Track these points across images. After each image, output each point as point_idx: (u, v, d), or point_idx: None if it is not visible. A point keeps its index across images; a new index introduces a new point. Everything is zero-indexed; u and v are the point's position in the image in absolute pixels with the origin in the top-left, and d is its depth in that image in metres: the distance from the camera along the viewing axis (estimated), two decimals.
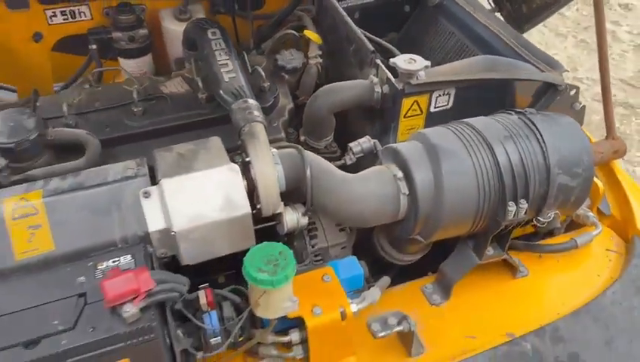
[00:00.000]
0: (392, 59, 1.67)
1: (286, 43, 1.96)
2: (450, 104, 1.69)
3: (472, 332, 1.57)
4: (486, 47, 2.04)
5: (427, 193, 1.44)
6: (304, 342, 1.43)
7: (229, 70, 1.64)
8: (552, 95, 1.78)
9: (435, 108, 1.68)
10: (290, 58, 1.81)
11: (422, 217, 1.46)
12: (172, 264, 1.43)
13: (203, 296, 1.32)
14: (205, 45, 1.72)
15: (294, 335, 1.42)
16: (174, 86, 1.78)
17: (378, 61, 1.70)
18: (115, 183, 1.38)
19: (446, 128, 1.54)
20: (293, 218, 1.54)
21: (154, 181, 1.39)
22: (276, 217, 1.51)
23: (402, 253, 1.71)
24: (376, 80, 1.67)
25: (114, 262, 1.30)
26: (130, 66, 2.13)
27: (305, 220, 1.56)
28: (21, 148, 1.42)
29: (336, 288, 1.45)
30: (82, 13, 2.09)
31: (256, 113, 1.54)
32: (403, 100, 1.61)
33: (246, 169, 1.43)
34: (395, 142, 1.69)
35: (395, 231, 1.59)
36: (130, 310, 1.14)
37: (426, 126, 1.71)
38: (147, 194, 1.37)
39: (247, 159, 1.44)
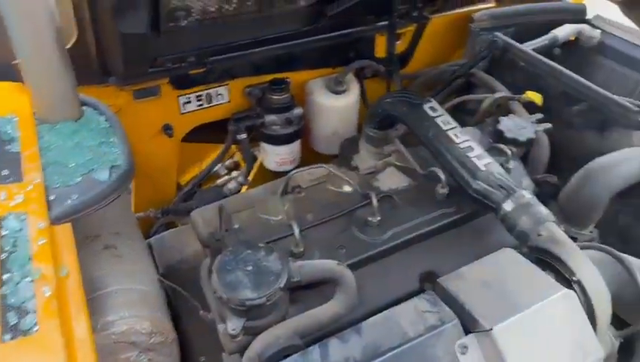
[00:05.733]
0: None
1: (499, 108, 1.61)
2: None
3: None
4: None
5: None
6: None
7: (478, 155, 1.28)
8: None
9: None
10: (520, 128, 1.45)
11: None
12: None
13: None
14: (428, 125, 1.35)
15: None
16: (389, 179, 1.39)
17: None
18: (418, 339, 0.98)
19: None
20: (608, 344, 1.17)
21: None
22: None
23: None
24: None
25: None
26: (280, 154, 1.75)
27: (617, 343, 1.19)
28: (272, 302, 1.01)
29: None
30: (220, 96, 1.70)
31: (543, 210, 1.17)
32: None
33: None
34: None
35: None
36: None
37: None
38: (465, 349, 0.98)
39: (575, 278, 1.06)
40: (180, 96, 1.65)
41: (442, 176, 1.31)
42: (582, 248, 1.17)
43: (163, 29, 1.35)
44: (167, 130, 1.66)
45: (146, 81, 1.55)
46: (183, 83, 1.62)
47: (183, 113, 1.68)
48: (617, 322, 1.20)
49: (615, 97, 1.46)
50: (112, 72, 1.48)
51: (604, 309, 1.06)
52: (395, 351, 0.96)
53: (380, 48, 1.88)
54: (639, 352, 1.33)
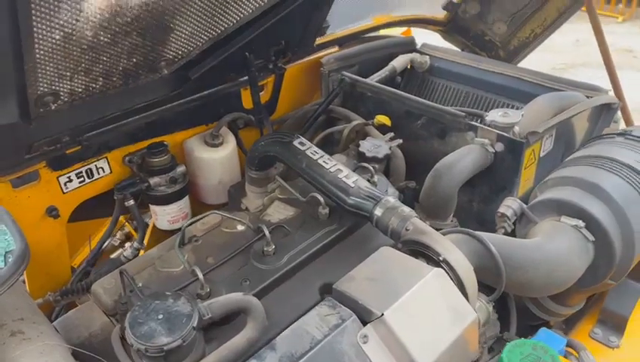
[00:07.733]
0: (488, 117, 1.64)
1: (358, 133, 1.84)
2: (551, 145, 1.70)
3: None
4: (504, 90, 2.13)
5: (616, 232, 1.39)
6: None
7: (346, 175, 1.47)
8: (608, 114, 1.89)
9: (543, 152, 1.67)
10: (377, 147, 1.68)
11: (617, 258, 1.40)
12: None
13: None
14: (300, 158, 1.53)
15: None
16: (277, 212, 1.53)
17: (476, 123, 1.66)
18: (325, 339, 1.11)
19: (585, 165, 1.54)
20: (483, 309, 1.39)
21: None
22: None
23: (564, 305, 1.63)
24: (485, 141, 1.61)
25: None
26: (171, 213, 1.82)
27: (491, 306, 1.42)
28: (187, 343, 1.08)
29: None
30: (100, 169, 1.75)
31: (406, 209, 1.38)
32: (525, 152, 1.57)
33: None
34: (517, 197, 1.63)
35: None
36: None
37: (537, 172, 1.68)
38: (365, 339, 1.13)
39: (441, 258, 1.27)
40: (60, 176, 1.67)
41: (321, 199, 1.48)
42: (444, 234, 1.40)
43: (33, 116, 1.39)
44: (52, 211, 1.67)
45: (24, 169, 1.57)
46: (60, 164, 1.65)
47: (65, 192, 1.70)
48: (487, 289, 1.43)
49: (446, 108, 1.76)
50: None
51: (469, 278, 1.27)
52: (308, 355, 1.09)
53: (247, 100, 2.05)
54: (513, 309, 1.58)
